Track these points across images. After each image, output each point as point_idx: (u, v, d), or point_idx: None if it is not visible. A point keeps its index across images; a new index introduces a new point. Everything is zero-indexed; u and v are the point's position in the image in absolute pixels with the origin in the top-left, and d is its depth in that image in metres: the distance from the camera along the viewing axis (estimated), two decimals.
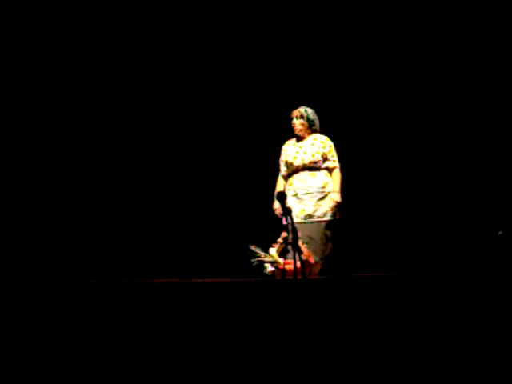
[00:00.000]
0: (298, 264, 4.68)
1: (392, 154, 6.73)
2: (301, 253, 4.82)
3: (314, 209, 5.51)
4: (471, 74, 6.57)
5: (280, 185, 5.70)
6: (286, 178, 5.70)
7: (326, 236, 5.48)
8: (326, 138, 5.65)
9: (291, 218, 4.45)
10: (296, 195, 5.57)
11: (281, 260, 4.95)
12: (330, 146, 5.63)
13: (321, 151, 5.58)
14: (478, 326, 3.86)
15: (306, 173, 5.59)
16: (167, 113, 7.03)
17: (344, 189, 5.60)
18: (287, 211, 4.49)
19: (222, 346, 3.90)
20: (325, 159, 5.60)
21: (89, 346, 3.99)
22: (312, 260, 5.30)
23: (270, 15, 6.82)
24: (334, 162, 5.61)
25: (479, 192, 6.47)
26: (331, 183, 5.58)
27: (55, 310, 4.15)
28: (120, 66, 6.99)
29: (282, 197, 4.69)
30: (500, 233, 5.62)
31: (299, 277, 4.30)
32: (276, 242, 5.18)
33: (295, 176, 5.63)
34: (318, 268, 5.43)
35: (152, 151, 7.02)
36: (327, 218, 5.50)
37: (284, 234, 4.95)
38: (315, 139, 5.64)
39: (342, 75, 6.81)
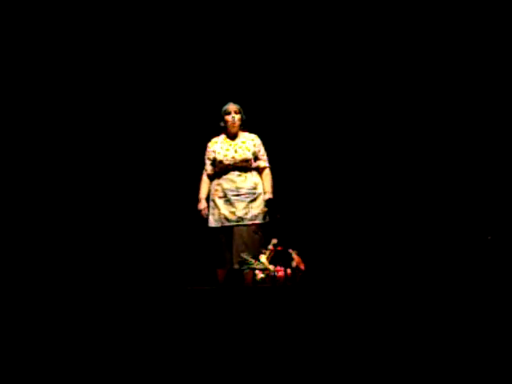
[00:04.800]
0: (289, 271, 4.71)
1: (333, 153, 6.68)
2: (291, 260, 4.84)
3: (245, 211, 5.37)
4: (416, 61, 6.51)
5: (205, 184, 5.53)
6: (212, 177, 5.55)
7: (256, 239, 5.29)
8: (256, 136, 5.57)
9: (280, 223, 4.46)
10: (225, 197, 5.44)
11: (271, 267, 4.94)
12: (260, 145, 5.54)
13: (252, 150, 5.47)
14: (467, 330, 3.87)
15: (236, 173, 5.43)
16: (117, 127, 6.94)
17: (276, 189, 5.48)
18: (276, 216, 4.49)
19: (211, 353, 3.90)
20: (256, 158, 5.50)
21: (80, 352, 3.98)
22: (303, 267, 5.30)
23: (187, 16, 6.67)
24: (264, 161, 5.51)
25: (464, 196, 6.47)
26: (261, 184, 5.48)
27: (47, 315, 4.15)
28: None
29: (271, 203, 4.68)
30: (489, 238, 5.64)
31: (289, 284, 4.31)
32: (266, 249, 5.18)
33: (224, 177, 5.47)
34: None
35: (142, 156, 6.99)
36: (258, 220, 5.36)
37: (274, 241, 4.96)
38: (245, 137, 5.54)
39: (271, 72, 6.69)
